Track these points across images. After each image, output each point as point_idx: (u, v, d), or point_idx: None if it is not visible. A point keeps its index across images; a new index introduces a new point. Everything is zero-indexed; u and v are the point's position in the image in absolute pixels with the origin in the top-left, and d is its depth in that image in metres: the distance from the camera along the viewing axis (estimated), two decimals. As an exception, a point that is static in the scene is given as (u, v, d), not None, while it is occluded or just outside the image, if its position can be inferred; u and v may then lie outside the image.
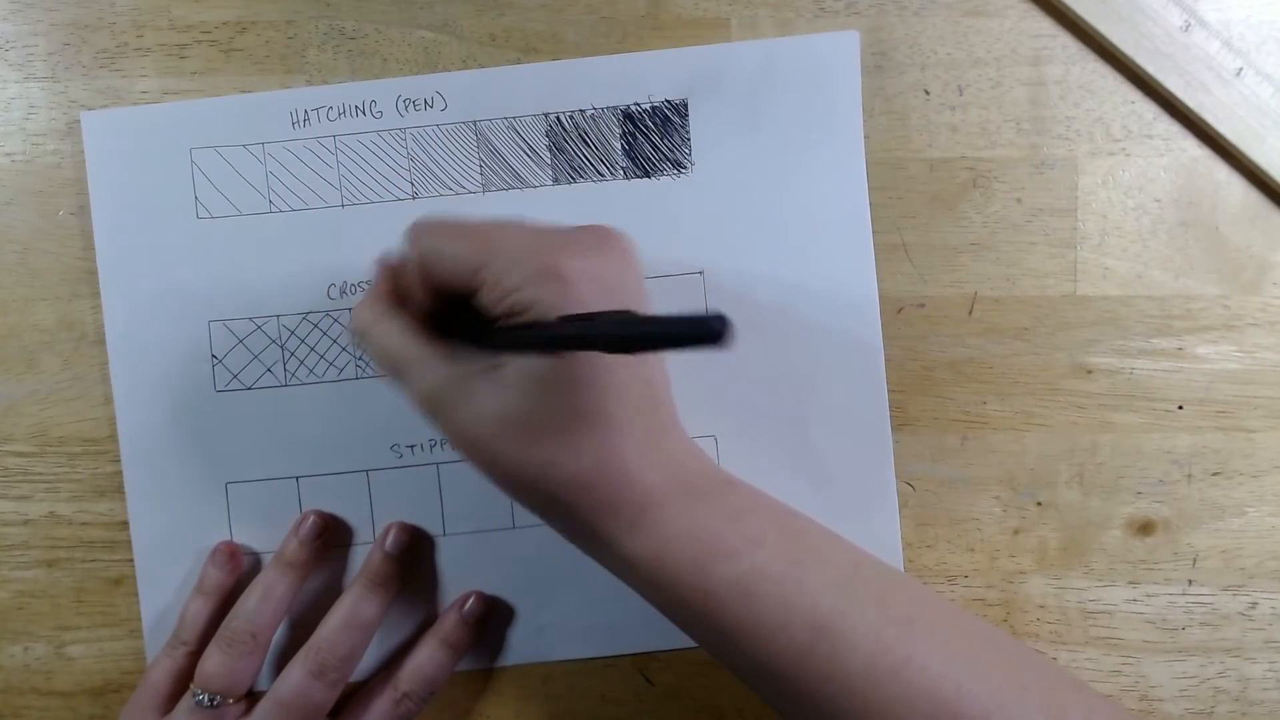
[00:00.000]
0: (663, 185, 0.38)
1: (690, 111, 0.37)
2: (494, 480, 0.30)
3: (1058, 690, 0.29)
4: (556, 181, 0.38)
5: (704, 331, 0.21)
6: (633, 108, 0.38)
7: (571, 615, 0.38)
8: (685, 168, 0.38)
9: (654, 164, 0.38)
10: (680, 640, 0.38)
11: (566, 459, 0.29)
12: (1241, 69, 0.37)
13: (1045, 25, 0.38)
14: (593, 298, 0.28)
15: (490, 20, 0.38)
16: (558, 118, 0.38)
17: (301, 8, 0.38)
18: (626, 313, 0.25)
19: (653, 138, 0.38)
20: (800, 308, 0.37)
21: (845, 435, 0.38)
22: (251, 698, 0.36)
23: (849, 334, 0.38)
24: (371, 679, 0.38)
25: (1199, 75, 0.37)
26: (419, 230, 0.31)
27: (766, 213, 0.38)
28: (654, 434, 0.30)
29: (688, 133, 0.38)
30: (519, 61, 0.38)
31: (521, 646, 0.38)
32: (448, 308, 0.32)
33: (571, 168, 0.38)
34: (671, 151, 0.38)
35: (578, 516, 0.30)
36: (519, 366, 0.28)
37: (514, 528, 0.38)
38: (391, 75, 0.37)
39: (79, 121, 0.37)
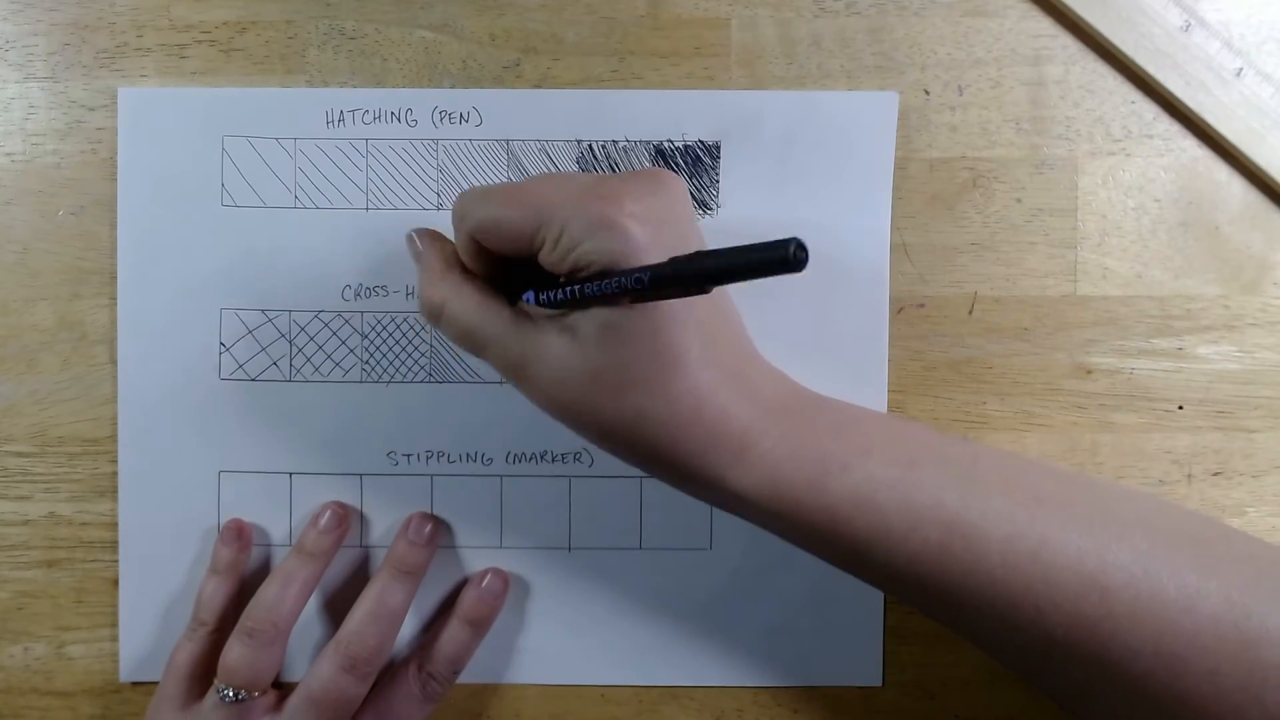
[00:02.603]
0: None
1: (722, 154, 0.37)
2: (592, 439, 0.31)
3: (1208, 541, 0.29)
4: None
5: (782, 257, 0.21)
6: (665, 144, 0.37)
7: (556, 638, 0.38)
8: (711, 209, 0.38)
9: None
10: (689, 678, 0.38)
11: (659, 405, 0.28)
12: (1241, 69, 0.37)
13: (1045, 25, 0.38)
14: (650, 241, 0.28)
15: (490, 20, 0.38)
16: (590, 145, 0.37)
17: (301, 8, 0.38)
18: (696, 254, 0.25)
19: (681, 176, 0.37)
20: (809, 358, 0.37)
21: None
22: (279, 690, 0.36)
23: (856, 369, 0.38)
24: (394, 662, 0.38)
25: (1199, 75, 0.37)
26: (467, 202, 0.31)
27: None
28: (740, 365, 0.30)
29: (717, 175, 0.37)
30: (519, 61, 0.38)
31: (497, 667, 0.38)
32: (507, 272, 0.32)
33: None
34: (699, 191, 0.37)
35: (680, 461, 0.29)
36: (593, 319, 0.28)
37: (500, 547, 0.38)
38: (392, 75, 0.38)
39: (80, 121, 0.37)
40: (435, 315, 0.32)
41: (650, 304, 0.28)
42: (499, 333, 0.30)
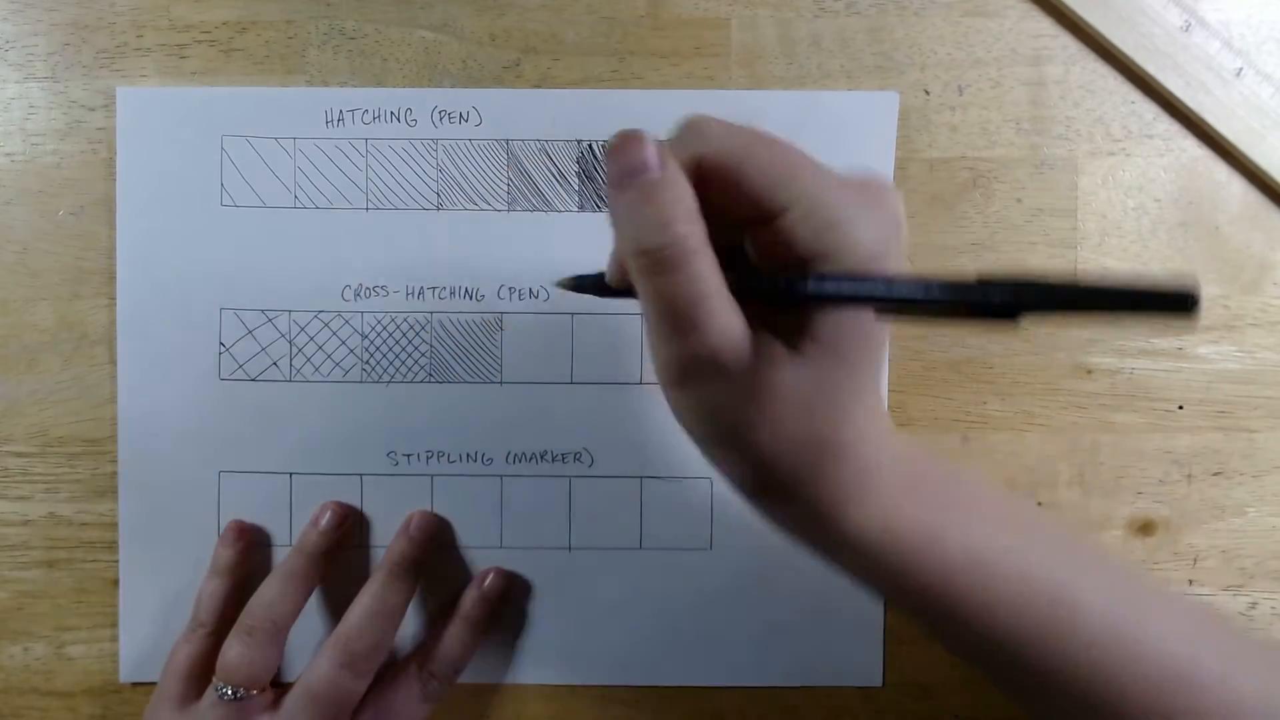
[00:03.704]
0: None
1: None
2: (720, 455, 0.26)
3: (1269, 650, 0.29)
4: (582, 208, 0.38)
5: (1178, 303, 0.19)
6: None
7: (557, 638, 0.38)
8: None
9: None
10: (689, 678, 0.38)
11: (839, 435, 0.26)
12: (1241, 69, 0.37)
13: (1045, 25, 0.38)
14: (865, 259, 0.24)
15: (490, 20, 0.38)
16: (590, 145, 0.37)
17: (301, 8, 0.38)
18: (1059, 282, 0.22)
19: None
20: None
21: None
22: (277, 688, 0.36)
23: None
24: (395, 661, 0.38)
25: (1199, 75, 0.37)
26: (712, 123, 0.25)
27: None
28: (883, 410, 0.29)
29: None
30: (519, 61, 0.38)
31: (497, 667, 0.38)
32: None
33: (599, 196, 0.37)
34: None
35: (811, 491, 0.26)
36: (828, 338, 0.25)
37: (501, 547, 0.38)
38: (391, 75, 0.38)
39: (80, 121, 0.37)
40: (669, 259, 0.23)
41: (860, 332, 0.25)
42: (729, 338, 0.24)
